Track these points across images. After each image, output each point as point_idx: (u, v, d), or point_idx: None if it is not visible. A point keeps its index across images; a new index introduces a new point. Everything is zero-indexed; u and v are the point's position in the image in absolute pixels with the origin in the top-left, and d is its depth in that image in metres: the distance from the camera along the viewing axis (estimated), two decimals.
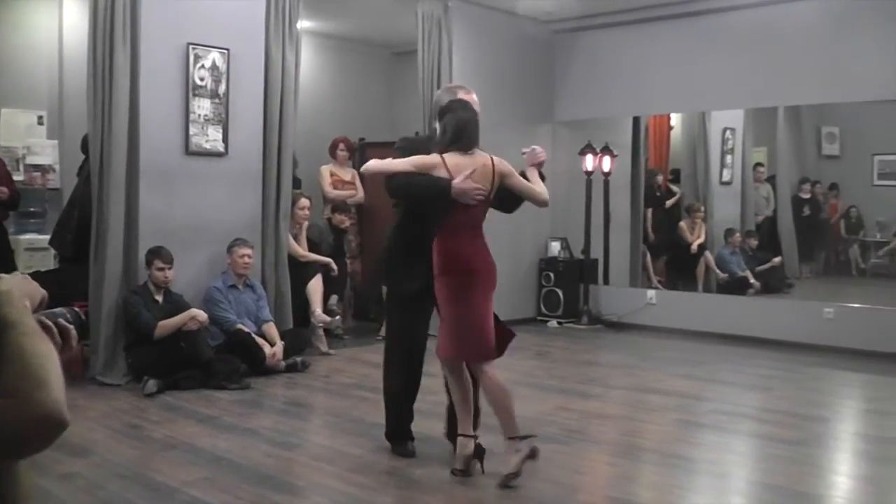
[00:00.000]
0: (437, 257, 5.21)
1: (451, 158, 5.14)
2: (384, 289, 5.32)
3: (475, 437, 5.30)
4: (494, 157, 5.28)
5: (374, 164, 5.37)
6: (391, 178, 5.29)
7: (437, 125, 5.45)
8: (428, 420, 6.06)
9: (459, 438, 5.30)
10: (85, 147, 7.96)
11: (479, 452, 5.27)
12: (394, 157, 5.36)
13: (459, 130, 5.22)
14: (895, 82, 9.58)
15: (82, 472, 5.15)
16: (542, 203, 5.44)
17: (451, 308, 5.22)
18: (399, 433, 5.73)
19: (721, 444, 6.09)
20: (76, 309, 2.09)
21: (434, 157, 5.19)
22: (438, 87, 10.35)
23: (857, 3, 9.92)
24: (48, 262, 8.77)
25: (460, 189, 5.08)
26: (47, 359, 1.74)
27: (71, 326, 1.97)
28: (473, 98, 5.48)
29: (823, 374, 8.78)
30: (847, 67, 9.87)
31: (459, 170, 5.10)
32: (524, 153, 5.48)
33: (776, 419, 6.80)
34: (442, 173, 5.11)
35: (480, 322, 5.17)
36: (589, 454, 5.93)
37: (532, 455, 5.05)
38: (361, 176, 9.67)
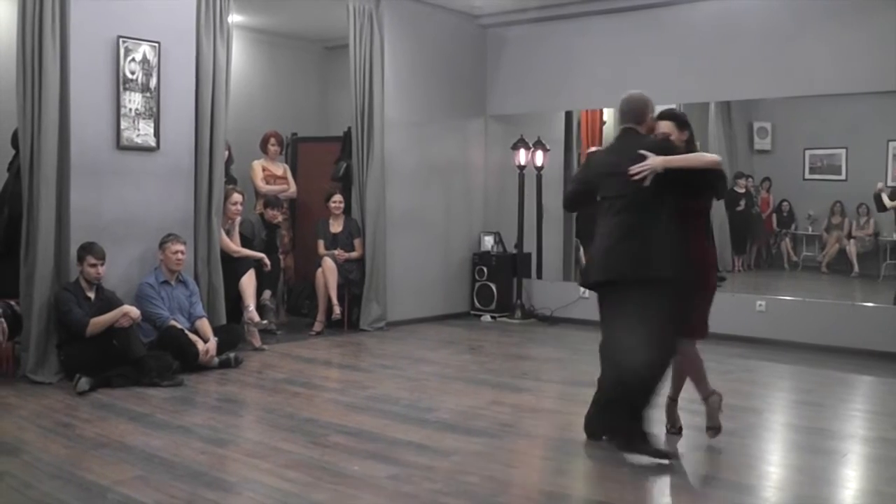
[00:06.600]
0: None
1: None
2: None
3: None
4: None
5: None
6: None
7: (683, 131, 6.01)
8: (359, 415, 6.07)
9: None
10: (15, 142, 7.84)
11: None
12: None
13: None
14: (825, 77, 9.71)
15: (12, 471, 5.09)
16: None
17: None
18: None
19: (654, 436, 6.13)
20: (10, 302, 2.07)
21: None
22: (370, 82, 10.36)
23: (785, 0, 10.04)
24: None
25: None
26: None
27: (2, 319, 1.95)
28: None
29: (755, 365, 8.88)
30: (779, 63, 9.95)
31: None
32: None
33: None
34: None
35: None
36: (522, 448, 5.95)
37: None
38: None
